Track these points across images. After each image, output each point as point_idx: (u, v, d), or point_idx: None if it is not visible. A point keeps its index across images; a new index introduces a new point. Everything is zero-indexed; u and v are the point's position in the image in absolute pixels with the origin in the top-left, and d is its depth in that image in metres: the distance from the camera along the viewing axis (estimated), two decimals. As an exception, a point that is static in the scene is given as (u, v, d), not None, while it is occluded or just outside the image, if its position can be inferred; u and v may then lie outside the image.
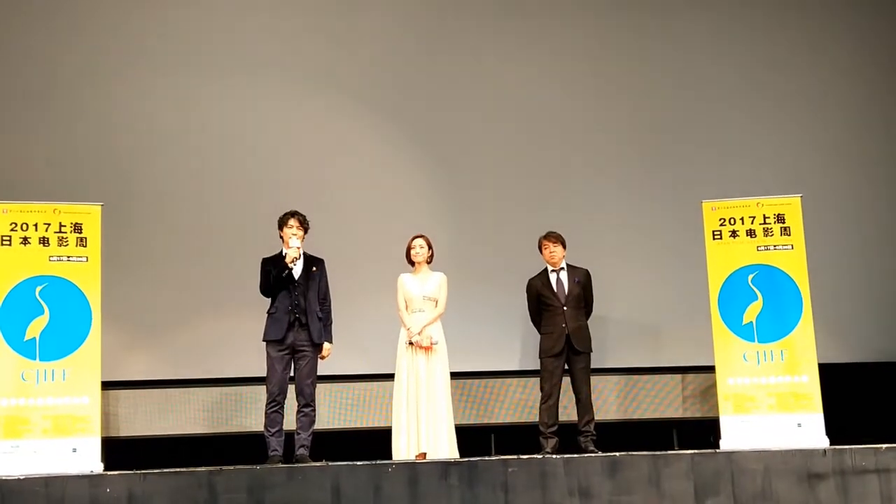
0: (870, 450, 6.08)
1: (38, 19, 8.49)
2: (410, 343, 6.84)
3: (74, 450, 6.27)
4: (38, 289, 6.44)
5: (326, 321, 6.77)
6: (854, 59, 9.25)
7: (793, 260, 7.07)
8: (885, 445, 6.10)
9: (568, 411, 7.24)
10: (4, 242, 6.46)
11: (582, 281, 7.27)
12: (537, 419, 7.15)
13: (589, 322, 7.27)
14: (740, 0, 9.25)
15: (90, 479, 5.73)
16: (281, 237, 6.76)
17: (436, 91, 8.85)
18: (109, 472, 5.89)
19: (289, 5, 8.85)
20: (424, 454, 6.59)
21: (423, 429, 6.69)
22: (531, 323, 7.40)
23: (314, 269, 6.77)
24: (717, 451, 6.52)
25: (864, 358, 8.61)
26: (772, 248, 7.12)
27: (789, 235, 7.11)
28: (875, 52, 9.30)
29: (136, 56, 8.57)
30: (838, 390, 7.30)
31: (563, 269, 7.27)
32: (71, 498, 5.56)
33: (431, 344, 6.80)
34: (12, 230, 6.48)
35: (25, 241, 6.49)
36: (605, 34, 9.09)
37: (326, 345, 6.72)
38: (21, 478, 5.73)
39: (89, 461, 6.25)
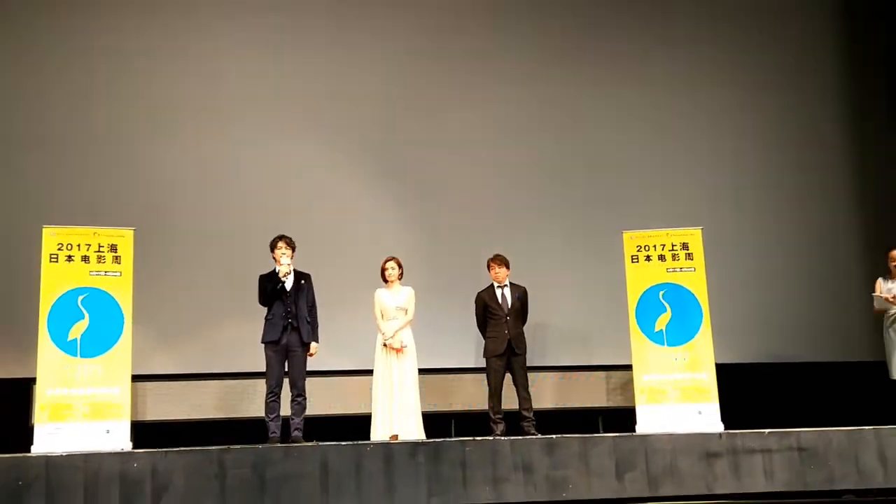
0: (756, 434, 6.15)
1: (97, 79, 8.49)
2: (385, 345, 6.89)
3: (108, 431, 6.25)
4: (80, 298, 6.42)
5: (314, 324, 6.77)
6: (749, 114, 9.43)
7: (695, 280, 7.13)
8: (767, 430, 6.17)
9: (511, 401, 7.24)
10: (53, 259, 6.43)
11: (521, 297, 7.30)
12: (487, 407, 7.17)
13: (528, 328, 7.34)
14: (652, 58, 9.38)
15: (121, 455, 5.69)
16: (273, 258, 6.76)
17: (407, 140, 8.90)
18: (137, 451, 5.85)
19: (292, 72, 8.85)
20: (396, 436, 6.62)
21: (396, 415, 6.72)
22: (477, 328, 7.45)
23: (302, 281, 6.77)
24: (634, 434, 6.56)
25: (752, 359, 8.71)
26: (678, 270, 7.18)
27: (692, 260, 7.17)
28: (765, 112, 9.47)
29: (167, 110, 8.54)
30: (732, 384, 7.32)
31: (506, 285, 7.28)
32: (105, 472, 5.51)
33: (402, 346, 6.86)
34: (59, 249, 6.45)
35: (70, 258, 6.47)
36: (546, 94, 9.18)
37: (314, 344, 6.73)
38: (64, 454, 5.69)
39: (120, 441, 6.23)
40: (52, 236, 6.48)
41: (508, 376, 7.20)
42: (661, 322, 7.08)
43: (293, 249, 6.82)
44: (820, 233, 9.30)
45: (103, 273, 6.53)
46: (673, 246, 7.20)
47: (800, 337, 8.95)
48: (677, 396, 6.94)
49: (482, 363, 7.39)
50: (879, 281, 7.41)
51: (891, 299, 7.23)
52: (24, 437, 6.32)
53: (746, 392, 8.02)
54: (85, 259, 6.52)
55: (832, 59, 9.82)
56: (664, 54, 9.38)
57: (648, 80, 9.32)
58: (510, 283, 7.33)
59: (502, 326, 7.18)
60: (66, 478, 5.47)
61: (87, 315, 6.42)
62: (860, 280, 8.77)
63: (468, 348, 8.21)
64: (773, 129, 9.48)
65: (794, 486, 6.05)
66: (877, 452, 6.13)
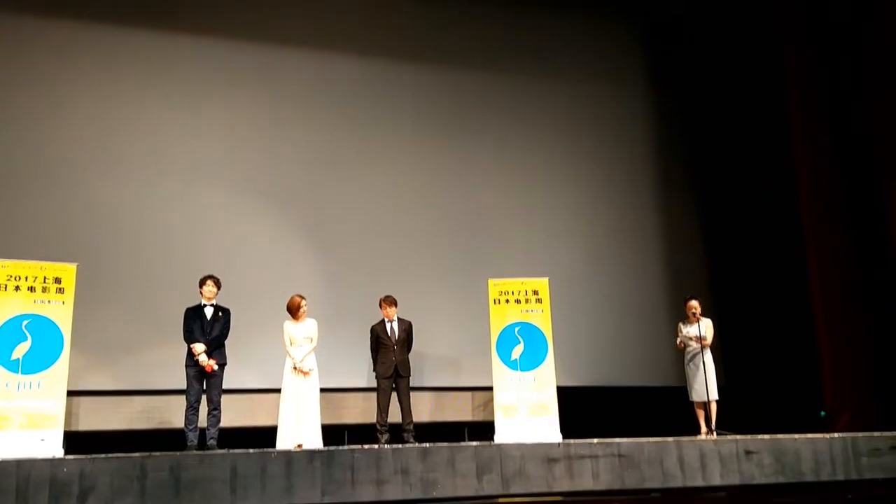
0: (585, 443, 6.19)
1: (55, 137, 8.04)
2: (294, 368, 6.70)
3: (42, 440, 5.80)
4: (25, 322, 6.01)
5: (220, 347, 6.52)
6: (581, 188, 9.64)
7: (542, 319, 7.21)
8: (595, 440, 6.23)
9: (395, 416, 7.17)
10: (1, 289, 6.02)
11: (407, 329, 7.30)
12: (375, 420, 7.09)
13: (410, 356, 7.31)
14: (514, 146, 9.51)
15: (52, 461, 5.29)
16: (201, 293, 6.55)
17: (316, 200, 8.76)
18: (67, 457, 5.45)
19: (222, 135, 8.62)
20: (301, 445, 6.42)
21: (300, 427, 6.54)
22: (370, 355, 7.38)
23: (220, 314, 6.56)
24: (492, 443, 6.49)
25: (585, 383, 8.82)
26: (530, 311, 7.23)
27: (541, 303, 7.25)
28: (593, 185, 9.67)
29: (112, 164, 8.17)
30: (569, 403, 7.31)
31: (394, 320, 7.27)
32: (35, 476, 5.13)
33: (308, 370, 6.70)
34: (8, 280, 6.04)
35: (17, 288, 6.06)
36: (434, 167, 9.22)
37: (211, 361, 6.35)
38: (-1, 460, 5.27)
39: (53, 448, 5.80)
40: (2, 269, 6.07)
41: (394, 394, 7.13)
42: (516, 352, 7.11)
43: (218, 287, 6.59)
44: (637, 284, 9.57)
45: (47, 302, 6.14)
46: (526, 292, 7.27)
47: (622, 366, 9.16)
48: (527, 412, 6.92)
49: (373, 383, 7.30)
50: (680, 325, 7.76)
51: (692, 339, 7.58)
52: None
53: (580, 409, 8.01)
54: (31, 289, 6.11)
55: (643, 139, 10.03)
56: (523, 143, 9.55)
57: (512, 162, 9.49)
58: (398, 319, 7.31)
59: (391, 354, 7.13)
60: (0, 482, 5.05)
61: (29, 337, 6.02)
62: (668, 323, 9.07)
63: (361, 371, 8.10)
64: (600, 199, 9.69)
65: (615, 486, 6.11)
66: (677, 458, 6.28)
